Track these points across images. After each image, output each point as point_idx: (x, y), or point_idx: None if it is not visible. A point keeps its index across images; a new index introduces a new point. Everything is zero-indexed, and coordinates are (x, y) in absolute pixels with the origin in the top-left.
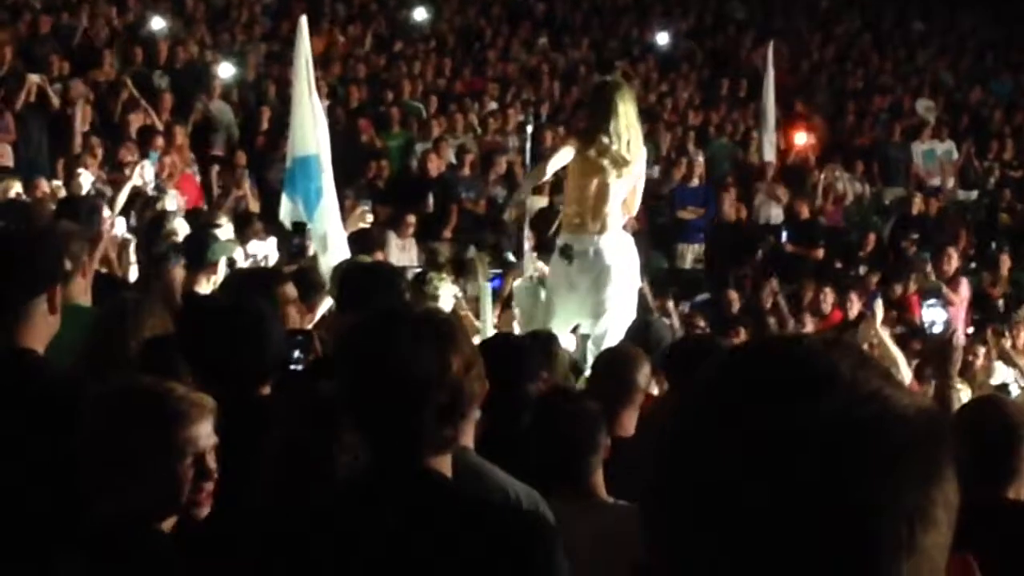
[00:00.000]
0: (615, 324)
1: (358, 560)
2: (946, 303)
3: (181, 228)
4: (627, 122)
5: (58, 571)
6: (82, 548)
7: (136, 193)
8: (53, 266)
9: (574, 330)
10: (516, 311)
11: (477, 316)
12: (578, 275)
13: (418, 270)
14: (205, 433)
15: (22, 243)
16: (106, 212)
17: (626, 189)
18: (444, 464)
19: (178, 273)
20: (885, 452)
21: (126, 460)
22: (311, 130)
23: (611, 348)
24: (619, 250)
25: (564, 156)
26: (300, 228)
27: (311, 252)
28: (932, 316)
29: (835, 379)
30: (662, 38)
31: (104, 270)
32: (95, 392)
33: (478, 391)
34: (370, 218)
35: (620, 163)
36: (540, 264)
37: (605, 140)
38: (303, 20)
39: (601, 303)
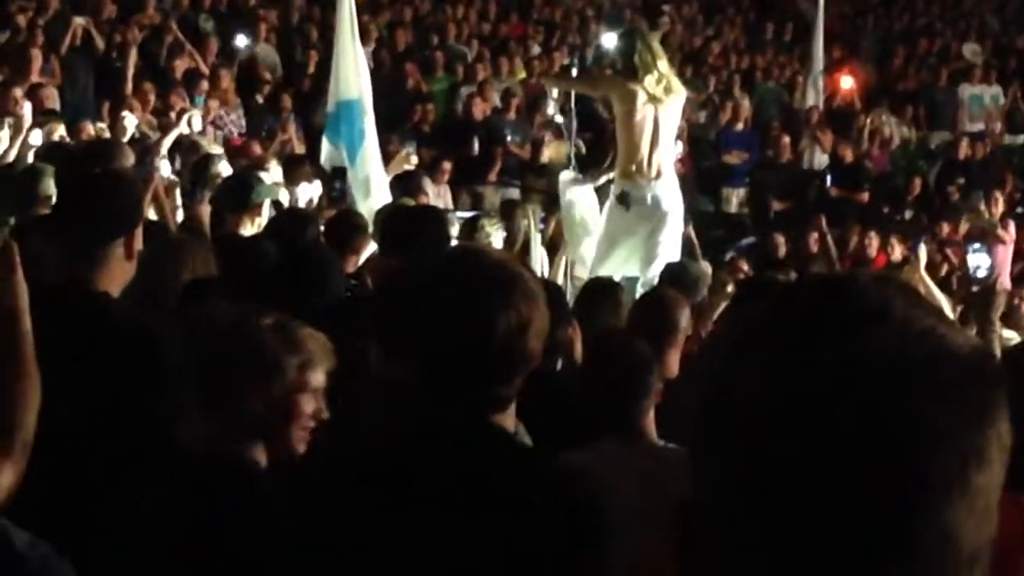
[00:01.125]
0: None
1: (419, 513)
2: (991, 248)
3: (225, 171)
4: (662, 60)
5: (146, 502)
6: (173, 478)
7: (183, 137)
8: (132, 211)
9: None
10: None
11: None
12: (636, 222)
13: (468, 215)
14: (321, 373)
15: (105, 187)
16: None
17: (674, 127)
18: (507, 420)
19: (204, 209)
20: (939, 389)
21: (235, 390)
22: (353, 74)
23: (651, 291)
24: (675, 195)
25: (599, 85)
26: (341, 173)
27: (351, 198)
28: (976, 261)
29: (887, 316)
30: None
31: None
32: (208, 317)
33: (538, 349)
34: (414, 160)
35: (669, 91)
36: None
37: (654, 73)
38: None
39: (654, 248)
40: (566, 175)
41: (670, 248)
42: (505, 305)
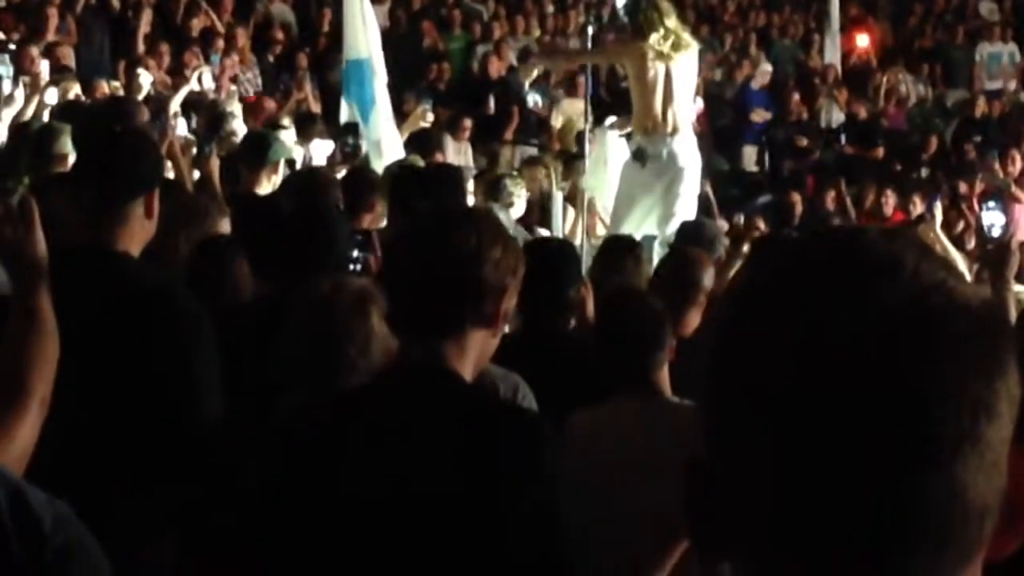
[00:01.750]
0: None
1: (375, 452)
2: (1006, 206)
3: (240, 129)
4: (671, 15)
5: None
6: (275, 435)
7: (198, 95)
8: (153, 169)
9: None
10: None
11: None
12: (654, 178)
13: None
14: None
15: (126, 144)
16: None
17: (689, 82)
18: (461, 356)
19: (214, 165)
20: (949, 341)
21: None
22: (361, 33)
23: (675, 249)
24: (692, 152)
25: (605, 53)
26: (353, 128)
27: (364, 152)
28: (991, 219)
29: (898, 268)
30: None
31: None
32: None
33: (497, 281)
34: (431, 117)
35: (681, 45)
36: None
37: (660, 31)
38: None
39: (672, 205)
40: (608, 123)
41: (688, 205)
42: (458, 231)
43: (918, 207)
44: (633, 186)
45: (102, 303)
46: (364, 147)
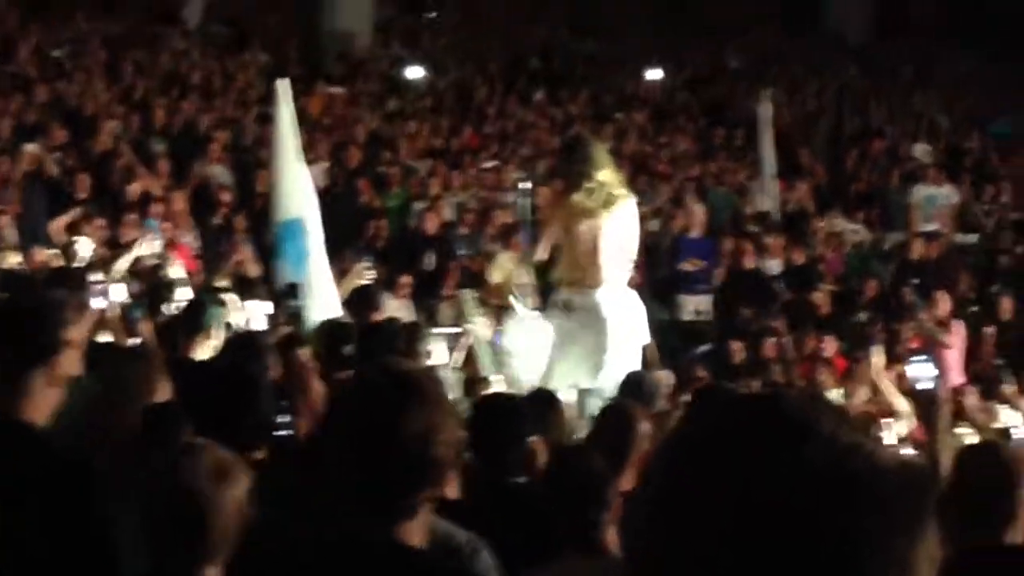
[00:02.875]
0: (616, 379)
1: None
2: (935, 358)
3: (183, 294)
4: (605, 169)
5: None
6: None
7: (140, 261)
8: (52, 337)
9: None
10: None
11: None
12: (580, 330)
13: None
14: None
15: (20, 313)
16: (100, 277)
17: (622, 236)
18: (413, 530)
19: (145, 327)
20: (868, 503)
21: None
22: (299, 193)
23: (611, 404)
24: (620, 304)
25: (553, 231)
26: (295, 290)
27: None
28: (920, 372)
29: (817, 432)
30: (657, 89)
31: (106, 338)
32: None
33: (448, 457)
34: (372, 274)
35: (610, 201)
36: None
37: (590, 184)
38: (282, 83)
39: (602, 358)
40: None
41: (621, 358)
42: (409, 411)
43: (858, 351)
44: (563, 337)
45: (3, 474)
46: (305, 309)
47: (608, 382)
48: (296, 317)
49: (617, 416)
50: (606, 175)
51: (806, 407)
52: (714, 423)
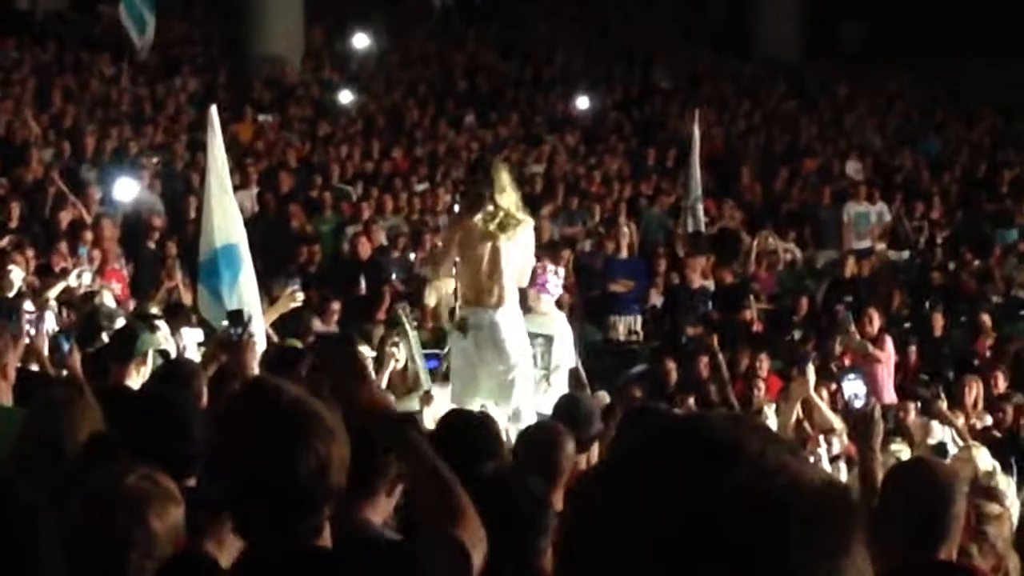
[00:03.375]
0: (526, 400)
1: None
2: (867, 375)
3: (114, 320)
4: (507, 192)
5: None
6: None
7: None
8: None
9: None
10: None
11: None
12: (477, 350)
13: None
14: None
15: None
16: (31, 308)
17: (518, 258)
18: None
19: (75, 360)
20: (794, 523)
21: None
22: (229, 220)
23: (533, 426)
24: (518, 324)
25: (452, 252)
26: (238, 316)
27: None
28: (852, 389)
29: (741, 453)
30: (588, 110)
31: (35, 367)
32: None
33: (337, 486)
34: (300, 297)
35: (508, 225)
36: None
37: (490, 207)
38: (213, 110)
39: (506, 378)
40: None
41: (527, 379)
42: (303, 446)
43: (791, 370)
44: (461, 360)
45: None
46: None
47: (520, 404)
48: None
49: (542, 438)
50: (507, 199)
51: (730, 429)
52: (636, 448)
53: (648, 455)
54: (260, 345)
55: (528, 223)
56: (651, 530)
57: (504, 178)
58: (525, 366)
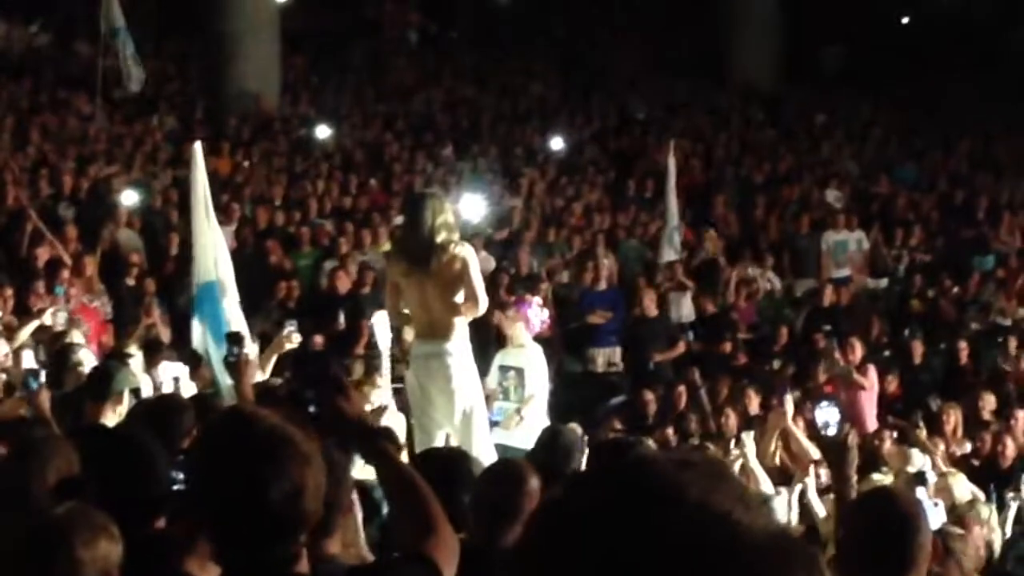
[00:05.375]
0: (483, 435)
1: None
2: (842, 402)
3: (88, 359)
4: (436, 226)
5: None
6: None
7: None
8: None
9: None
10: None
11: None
12: (427, 382)
13: None
14: None
15: None
16: (4, 348)
17: (450, 289)
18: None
19: (44, 398)
20: (731, 574)
21: None
22: (211, 257)
23: (498, 462)
24: (466, 355)
25: (392, 289)
26: (238, 338)
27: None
28: (825, 417)
29: (681, 500)
30: (564, 143)
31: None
32: None
33: (316, 508)
34: (297, 339)
35: (431, 257)
36: None
37: (411, 245)
38: (197, 147)
39: (461, 411)
40: None
41: (481, 413)
42: (277, 472)
43: (770, 400)
44: (414, 394)
45: None
46: (216, 372)
47: (479, 438)
48: (235, 367)
49: (501, 474)
50: (442, 229)
51: (674, 473)
52: (577, 487)
53: (587, 495)
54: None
55: (458, 252)
56: (583, 572)
57: (435, 209)
58: (475, 395)
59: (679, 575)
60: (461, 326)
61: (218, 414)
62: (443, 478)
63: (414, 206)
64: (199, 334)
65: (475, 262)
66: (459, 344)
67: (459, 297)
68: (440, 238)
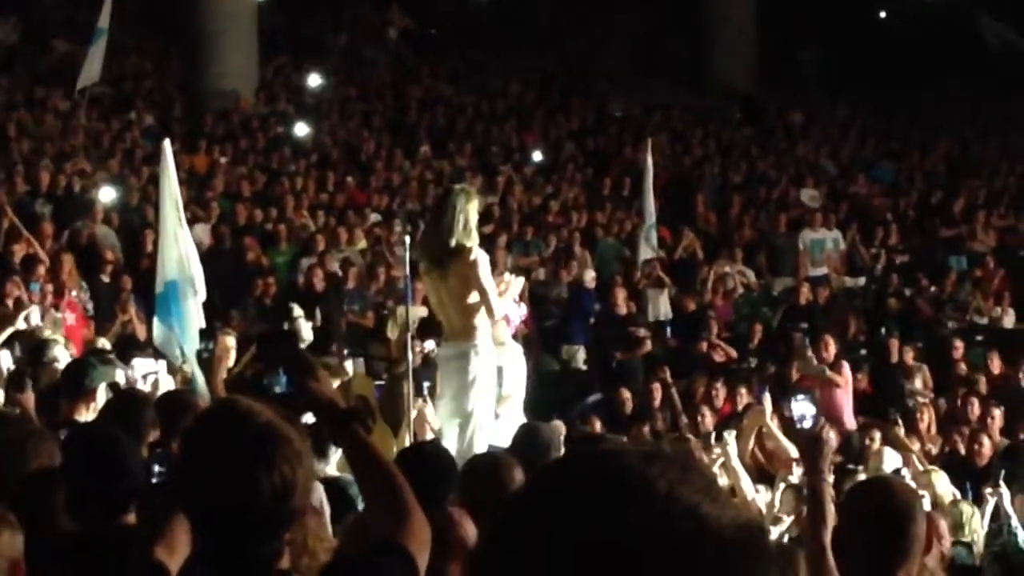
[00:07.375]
0: (480, 433)
1: None
2: (816, 397)
3: (63, 356)
4: (454, 226)
5: None
6: None
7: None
8: None
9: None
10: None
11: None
12: (443, 381)
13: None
14: None
15: None
16: None
17: (460, 290)
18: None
19: (28, 397)
20: (698, 566)
21: None
22: (178, 254)
23: (480, 455)
24: (485, 358)
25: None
26: (207, 335)
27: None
28: (801, 410)
29: (649, 493)
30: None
31: None
32: None
33: (300, 508)
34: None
35: (445, 258)
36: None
37: (431, 242)
38: (166, 145)
39: (464, 410)
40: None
41: (485, 413)
42: (268, 468)
43: (744, 397)
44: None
45: None
46: (194, 371)
47: (473, 436)
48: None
49: (485, 467)
50: (458, 229)
51: (642, 467)
52: (545, 480)
53: (554, 488)
54: None
55: (469, 257)
56: (549, 564)
57: (460, 207)
58: (480, 397)
59: (646, 567)
60: (483, 327)
61: (212, 408)
62: (427, 471)
63: (440, 201)
64: (161, 331)
65: (485, 268)
66: (481, 345)
67: (472, 299)
68: (455, 240)
